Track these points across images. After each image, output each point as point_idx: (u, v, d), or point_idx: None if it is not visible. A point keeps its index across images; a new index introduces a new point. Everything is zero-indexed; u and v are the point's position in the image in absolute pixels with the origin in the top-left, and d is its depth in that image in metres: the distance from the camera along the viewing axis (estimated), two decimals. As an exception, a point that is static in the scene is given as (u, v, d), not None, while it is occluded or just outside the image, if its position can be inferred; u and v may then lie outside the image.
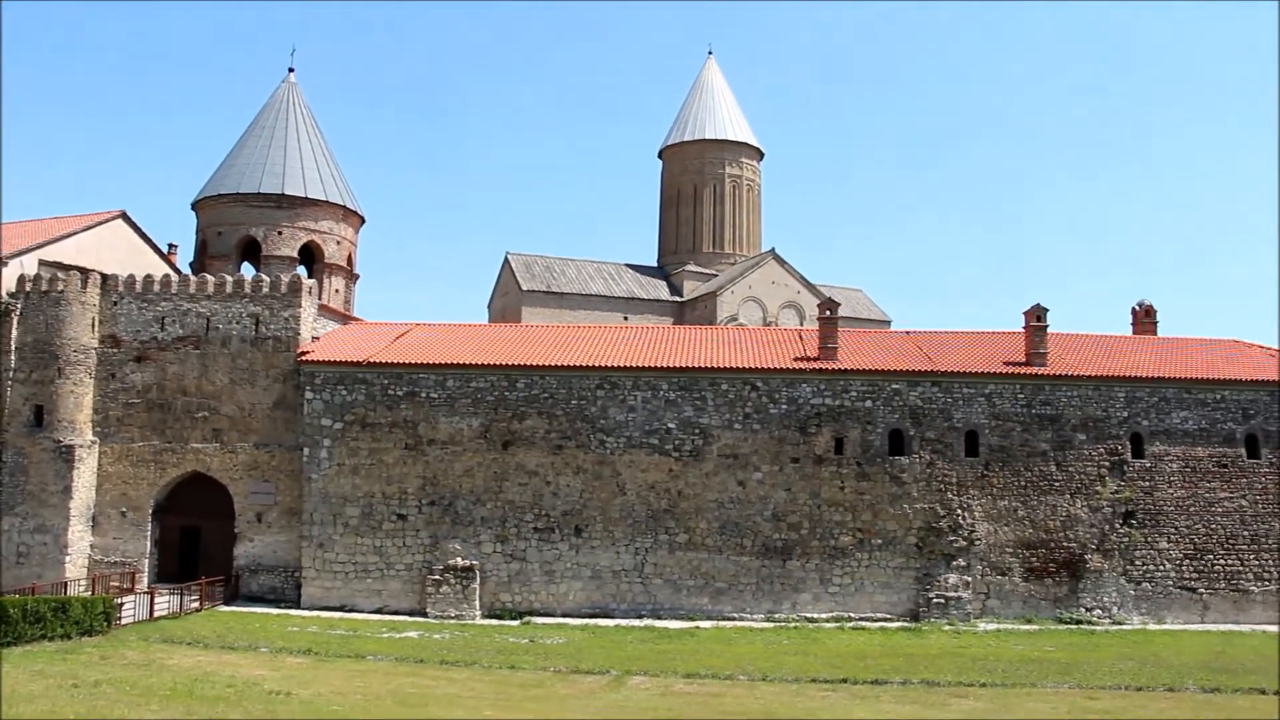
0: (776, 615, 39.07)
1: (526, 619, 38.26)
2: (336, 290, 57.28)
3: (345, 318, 50.92)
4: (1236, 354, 45.83)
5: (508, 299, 79.48)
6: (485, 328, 53.03)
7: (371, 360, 40.55)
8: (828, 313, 43.03)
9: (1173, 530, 40.59)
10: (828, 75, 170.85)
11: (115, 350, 41.78)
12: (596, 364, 40.93)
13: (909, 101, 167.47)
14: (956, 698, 26.18)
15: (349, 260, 59.22)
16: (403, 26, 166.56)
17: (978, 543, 39.81)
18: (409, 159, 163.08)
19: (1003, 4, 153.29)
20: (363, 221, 60.70)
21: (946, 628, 37.78)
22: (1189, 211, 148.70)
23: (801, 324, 73.81)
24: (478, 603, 38.80)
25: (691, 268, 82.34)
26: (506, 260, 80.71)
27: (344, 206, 58.26)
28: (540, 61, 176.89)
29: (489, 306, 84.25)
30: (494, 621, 38.05)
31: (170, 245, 54.54)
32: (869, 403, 40.72)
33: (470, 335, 46.05)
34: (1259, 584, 40.41)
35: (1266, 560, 40.64)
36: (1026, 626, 38.38)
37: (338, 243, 57.90)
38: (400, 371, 40.51)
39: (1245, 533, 40.71)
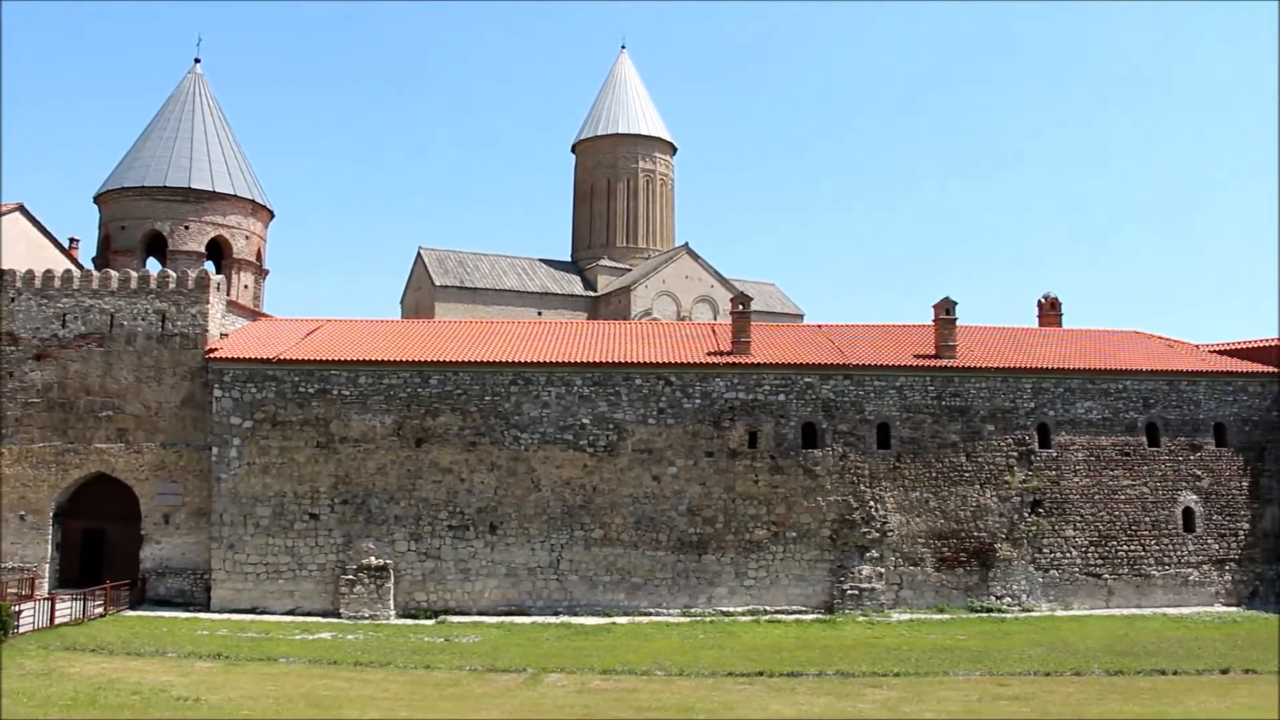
0: (693, 609, 39.19)
1: (442, 618, 37.91)
2: (245, 286, 56.21)
3: (254, 314, 50.00)
4: (1137, 345, 47.08)
5: (421, 294, 78.77)
6: (398, 323, 52.35)
7: (282, 357, 39.82)
8: (740, 307, 43.25)
9: (1078, 518, 41.56)
10: (740, 70, 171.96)
11: (13, 349, 40.47)
12: (510, 360, 40.63)
13: (820, 96, 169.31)
14: (871, 687, 26.52)
15: (258, 255, 58.16)
16: (314, 18, 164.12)
17: (890, 534, 40.34)
18: (320, 153, 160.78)
19: (912, 3, 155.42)
20: (272, 216, 59.63)
21: (860, 619, 38.24)
22: (1092, 204, 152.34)
23: (715, 318, 74.16)
24: (392, 602, 38.35)
25: (605, 262, 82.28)
26: (419, 255, 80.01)
27: (253, 201, 57.18)
28: (454, 55, 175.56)
29: (402, 302, 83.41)
30: (409, 621, 37.64)
31: (72, 240, 53.13)
32: (782, 396, 41.00)
33: (383, 331, 45.49)
34: (1159, 568, 41.59)
35: (1166, 545, 41.83)
36: (938, 616, 39.00)
37: (246, 238, 56.82)
38: (311, 368, 39.82)
39: (1146, 519, 41.86)
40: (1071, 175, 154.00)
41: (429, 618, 37.99)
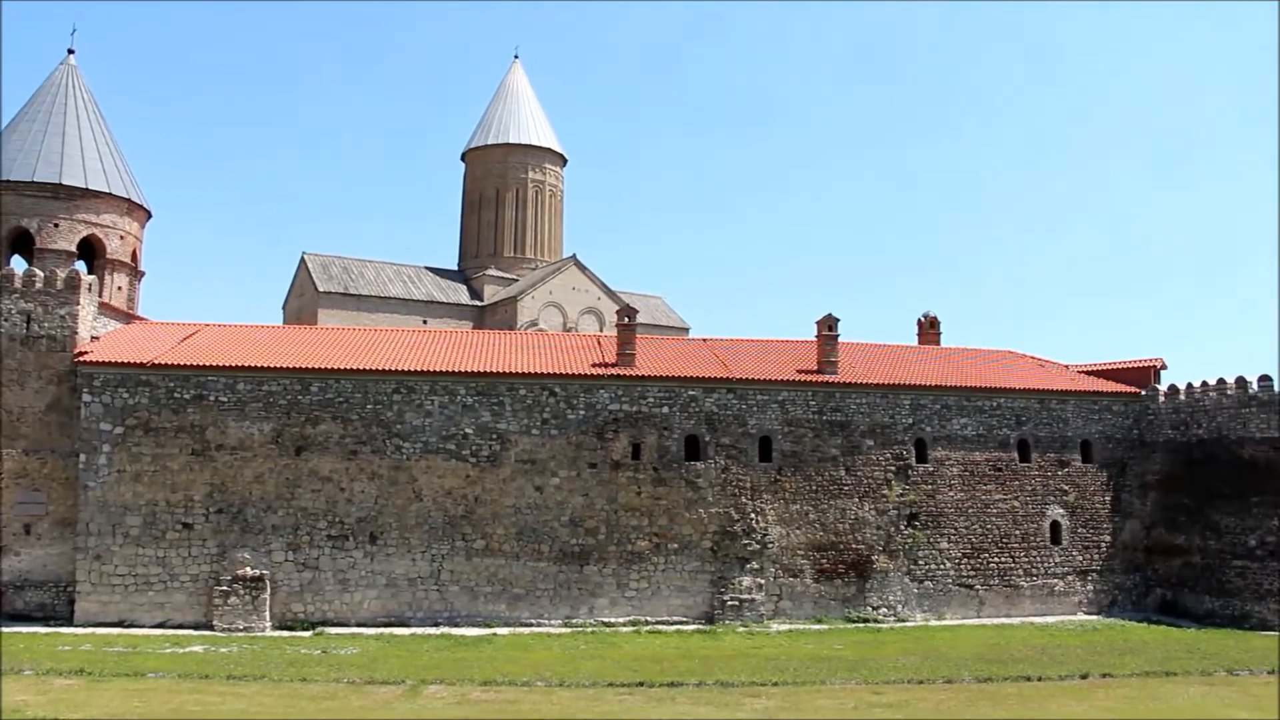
0: (574, 620, 39.16)
1: (319, 630, 37.23)
2: (119, 288, 54.47)
3: (128, 316, 48.51)
4: (1011, 364, 48.60)
5: (304, 300, 77.36)
6: (279, 329, 51.31)
7: (156, 362, 38.72)
8: (626, 319, 43.42)
9: (952, 531, 42.66)
10: (631, 82, 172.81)
11: None
12: (393, 368, 40.14)
13: (710, 110, 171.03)
14: (750, 697, 26.78)
15: (133, 256, 56.44)
16: (198, 16, 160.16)
17: (770, 546, 40.86)
18: (201, 154, 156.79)
19: (807, 4, 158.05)
20: (149, 216, 57.94)
21: (740, 629, 38.63)
22: (971, 223, 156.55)
23: (601, 330, 74.27)
24: (268, 614, 37.52)
25: (492, 272, 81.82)
26: (303, 260, 78.61)
27: (128, 200, 55.47)
28: (344, 59, 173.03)
29: (284, 308, 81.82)
30: (285, 633, 36.87)
31: (-70, 237, 50.87)
32: (666, 409, 41.27)
33: (263, 337, 44.54)
34: (1028, 579, 42.97)
35: (1035, 557, 43.22)
36: (817, 626, 39.61)
37: (121, 237, 55.09)
38: (187, 374, 38.80)
39: (1017, 532, 43.20)
40: (958, 193, 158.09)
41: (306, 629, 37.28)
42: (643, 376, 41.42)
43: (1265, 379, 42.06)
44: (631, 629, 38.68)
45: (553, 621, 39.11)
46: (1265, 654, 33.69)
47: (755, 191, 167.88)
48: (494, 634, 37.26)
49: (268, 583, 37.80)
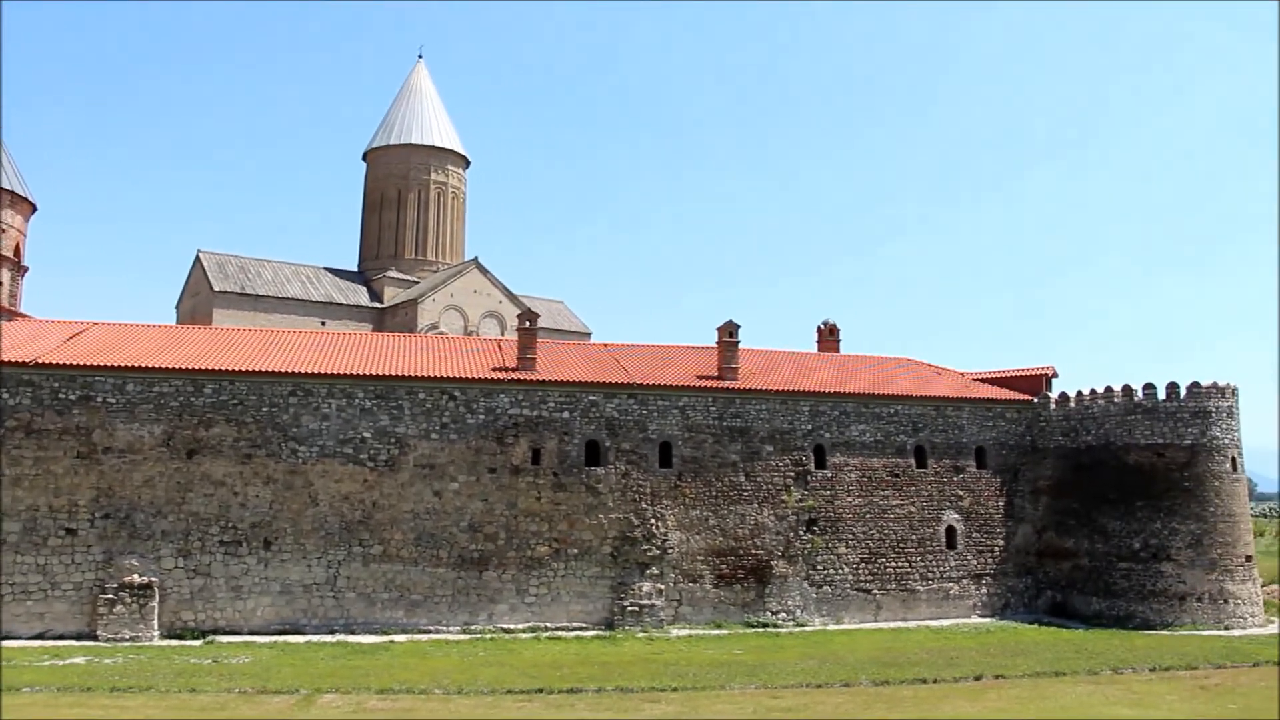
0: (473, 627, 38.75)
1: (210, 638, 36.27)
2: (1, 283, 52.69)
3: (11, 314, 46.99)
4: (909, 371, 49.50)
5: (198, 300, 75.62)
6: (171, 329, 49.93)
7: (40, 361, 37.39)
8: (527, 324, 43.23)
9: (850, 536, 43.18)
10: (536, 86, 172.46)
11: None
12: (289, 370, 39.33)
13: (615, 115, 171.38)
14: (649, 702, 26.73)
15: (16, 251, 54.63)
16: (98, 9, 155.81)
17: (670, 551, 40.92)
18: (94, 147, 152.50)
19: (709, 3, 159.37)
20: (34, 209, 56.15)
21: (640, 635, 38.57)
22: (872, 232, 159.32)
23: (503, 334, 73.88)
24: (156, 623, 36.45)
25: (393, 274, 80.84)
26: (198, 258, 76.86)
27: (12, 191, 53.71)
28: (246, 56, 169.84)
29: (178, 307, 79.94)
30: (174, 642, 35.86)
31: None
32: (566, 414, 41.09)
33: (154, 336, 43.32)
34: (924, 583, 43.71)
35: (931, 561, 43.97)
36: (716, 631, 39.76)
37: (3, 231, 53.31)
38: (73, 374, 37.52)
39: (913, 537, 43.92)
40: (859, 203, 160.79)
41: (196, 638, 36.31)
42: (543, 381, 41.18)
43: (1149, 388, 43.51)
44: (531, 635, 38.39)
45: (451, 628, 38.65)
46: (1147, 652, 34.76)
47: (658, 197, 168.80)
48: (391, 641, 36.68)
49: (156, 590, 36.71)
